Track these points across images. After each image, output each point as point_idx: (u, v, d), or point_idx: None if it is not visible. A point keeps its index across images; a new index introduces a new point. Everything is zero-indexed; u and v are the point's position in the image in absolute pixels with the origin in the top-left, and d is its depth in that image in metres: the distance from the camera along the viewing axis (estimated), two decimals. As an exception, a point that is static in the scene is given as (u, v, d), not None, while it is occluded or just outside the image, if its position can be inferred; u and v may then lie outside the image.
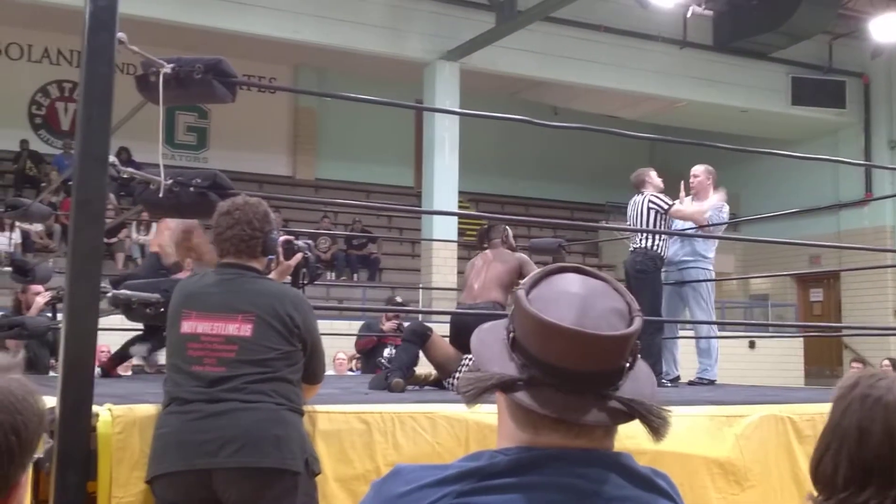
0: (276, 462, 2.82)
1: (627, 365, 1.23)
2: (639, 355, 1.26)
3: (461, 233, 16.62)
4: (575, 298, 1.23)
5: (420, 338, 5.36)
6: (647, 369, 1.30)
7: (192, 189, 3.36)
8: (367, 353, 8.62)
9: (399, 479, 1.23)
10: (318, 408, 3.33)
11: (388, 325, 8.18)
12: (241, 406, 2.84)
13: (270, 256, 3.27)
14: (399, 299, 9.78)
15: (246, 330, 2.91)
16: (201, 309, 2.97)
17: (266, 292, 3.03)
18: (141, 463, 2.93)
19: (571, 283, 1.26)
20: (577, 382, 1.20)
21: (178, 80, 3.46)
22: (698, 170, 7.38)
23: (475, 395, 1.22)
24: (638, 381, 1.25)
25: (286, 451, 2.84)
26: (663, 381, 6.45)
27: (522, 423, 1.24)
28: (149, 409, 3.05)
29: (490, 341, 1.28)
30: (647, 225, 6.76)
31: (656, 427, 1.21)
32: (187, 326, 2.97)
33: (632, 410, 1.21)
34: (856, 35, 16.77)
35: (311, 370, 3.09)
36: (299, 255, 3.53)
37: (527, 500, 1.18)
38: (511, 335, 1.25)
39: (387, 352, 8.00)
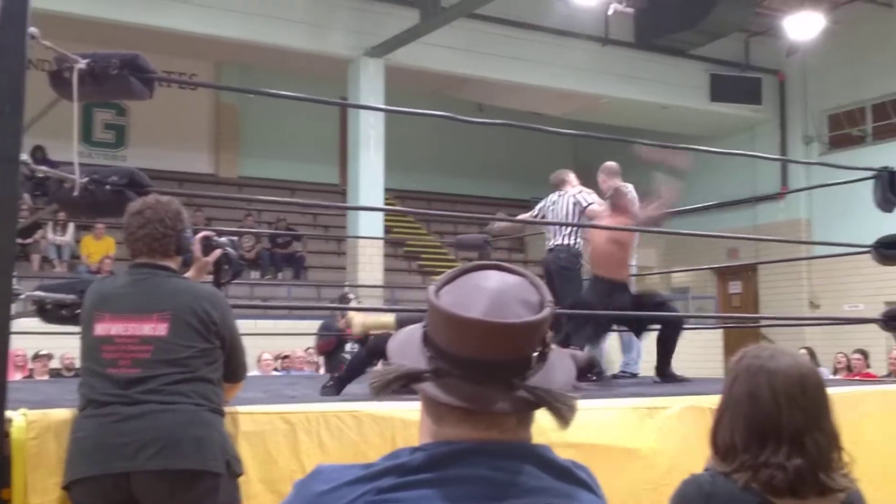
0: (196, 464, 2.77)
1: (536, 354, 1.24)
2: (553, 345, 1.28)
3: (387, 230, 16.58)
4: (484, 292, 1.24)
5: (381, 355, 5.29)
6: (566, 359, 1.31)
7: (108, 187, 3.29)
8: (329, 353, 8.56)
9: (320, 478, 1.24)
10: (242, 409, 3.29)
11: (343, 323, 8.07)
12: (158, 408, 2.78)
13: (186, 255, 3.20)
14: (352, 296, 9.70)
15: (161, 329, 2.86)
16: (115, 311, 2.90)
17: (181, 290, 2.98)
18: (58, 469, 2.85)
19: (484, 278, 1.28)
20: (483, 372, 1.21)
21: (93, 76, 3.39)
22: (600, 176, 7.37)
23: (380, 388, 1.23)
24: (551, 370, 1.26)
25: (206, 453, 2.79)
26: (590, 375, 6.52)
27: (434, 416, 1.26)
28: (65, 414, 2.97)
29: (406, 341, 1.30)
30: (572, 221, 6.82)
31: (562, 414, 1.23)
32: (101, 329, 2.90)
33: (537, 398, 1.22)
34: (771, 33, 17.19)
35: (232, 368, 3.04)
36: (218, 252, 3.44)
37: (445, 494, 1.19)
38: (424, 329, 1.27)
39: (348, 347, 7.90)
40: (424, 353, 1.25)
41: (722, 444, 1.96)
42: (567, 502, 1.24)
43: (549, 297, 1.27)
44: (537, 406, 1.23)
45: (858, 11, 16.56)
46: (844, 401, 4.49)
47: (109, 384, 2.82)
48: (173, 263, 3.08)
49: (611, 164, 7.39)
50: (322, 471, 1.26)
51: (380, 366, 1.26)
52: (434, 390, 1.23)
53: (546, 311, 1.24)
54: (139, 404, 2.78)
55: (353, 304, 8.46)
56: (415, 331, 1.30)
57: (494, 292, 1.24)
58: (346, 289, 10.41)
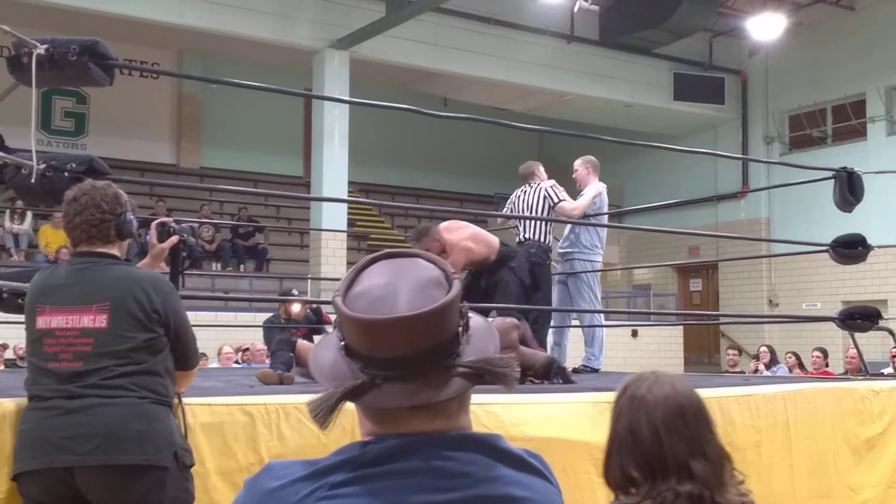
0: (138, 458, 2.72)
1: (461, 329, 1.24)
2: (470, 315, 1.27)
3: (351, 223, 16.53)
4: (388, 287, 1.22)
5: None
6: (482, 322, 1.30)
7: (66, 174, 3.24)
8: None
9: (271, 474, 1.23)
10: (200, 400, 3.25)
11: (296, 312, 7.95)
12: (99, 401, 2.72)
13: (131, 239, 3.10)
14: (296, 292, 9.61)
15: (101, 321, 2.78)
16: (55, 303, 2.83)
17: (122, 278, 2.87)
18: (10, 459, 2.81)
19: (383, 270, 1.26)
20: (417, 366, 1.20)
21: (52, 61, 3.34)
22: (577, 163, 7.50)
23: (325, 416, 1.21)
24: (477, 337, 1.26)
25: (149, 446, 2.74)
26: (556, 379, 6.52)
27: (377, 419, 1.25)
28: (17, 404, 2.92)
29: (325, 357, 1.28)
30: (541, 215, 6.81)
31: (504, 376, 1.22)
32: (42, 322, 2.83)
33: (477, 370, 1.22)
34: (734, 33, 17.38)
35: (180, 355, 2.96)
36: (174, 238, 3.36)
37: (399, 486, 1.19)
38: (342, 343, 1.25)
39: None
40: (352, 366, 1.23)
41: (613, 481, 1.99)
42: (520, 490, 1.24)
43: (449, 268, 1.26)
44: (480, 379, 1.22)
45: (820, 13, 16.78)
46: (798, 397, 4.55)
47: (52, 379, 2.76)
48: (116, 250, 2.97)
49: (594, 158, 7.45)
50: (273, 467, 1.25)
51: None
52: (377, 402, 1.21)
53: (457, 286, 1.23)
54: (80, 398, 2.73)
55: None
56: (330, 343, 1.27)
57: (407, 282, 1.22)
58: (291, 286, 10.30)
